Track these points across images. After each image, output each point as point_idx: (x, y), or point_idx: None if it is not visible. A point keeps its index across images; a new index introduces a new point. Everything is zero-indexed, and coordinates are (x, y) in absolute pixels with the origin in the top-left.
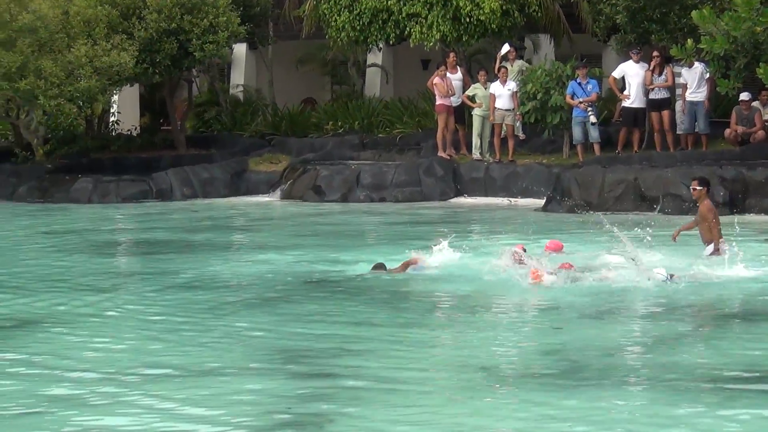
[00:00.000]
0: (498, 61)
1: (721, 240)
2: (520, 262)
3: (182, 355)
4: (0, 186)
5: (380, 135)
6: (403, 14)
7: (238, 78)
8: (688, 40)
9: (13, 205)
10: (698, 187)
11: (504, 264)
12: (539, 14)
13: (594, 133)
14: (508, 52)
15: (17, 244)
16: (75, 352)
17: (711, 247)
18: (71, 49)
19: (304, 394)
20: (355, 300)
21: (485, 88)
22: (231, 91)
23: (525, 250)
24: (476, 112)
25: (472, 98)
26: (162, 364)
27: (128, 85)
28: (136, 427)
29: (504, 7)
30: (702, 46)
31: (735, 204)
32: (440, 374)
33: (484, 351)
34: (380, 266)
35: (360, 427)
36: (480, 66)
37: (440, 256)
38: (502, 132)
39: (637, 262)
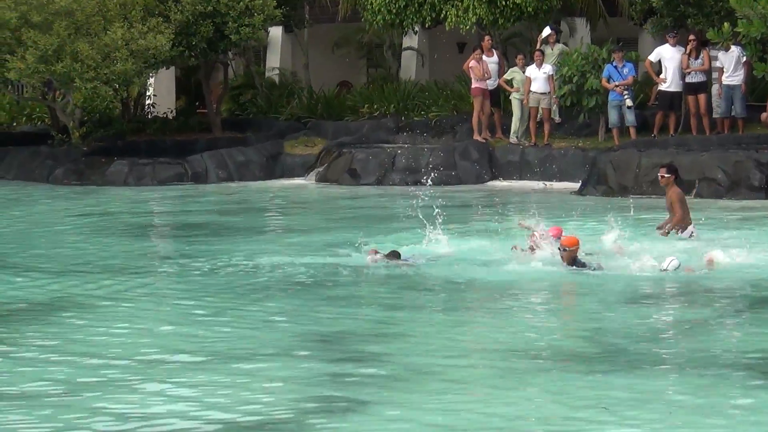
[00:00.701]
0: (539, 44)
1: (691, 225)
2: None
3: (214, 339)
4: (37, 168)
5: (416, 118)
6: None
7: (273, 61)
8: (725, 23)
9: (49, 187)
10: (666, 174)
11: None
12: None
13: (630, 117)
14: (549, 35)
15: (53, 226)
16: (108, 335)
17: (690, 229)
18: (107, 31)
19: (336, 379)
20: (388, 285)
21: (523, 72)
22: (267, 74)
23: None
24: (515, 96)
25: (509, 82)
26: (194, 347)
27: (164, 68)
28: (169, 412)
29: None
30: (739, 30)
31: None
32: (474, 359)
33: (517, 336)
34: (394, 254)
35: (392, 411)
36: (516, 49)
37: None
38: (538, 115)
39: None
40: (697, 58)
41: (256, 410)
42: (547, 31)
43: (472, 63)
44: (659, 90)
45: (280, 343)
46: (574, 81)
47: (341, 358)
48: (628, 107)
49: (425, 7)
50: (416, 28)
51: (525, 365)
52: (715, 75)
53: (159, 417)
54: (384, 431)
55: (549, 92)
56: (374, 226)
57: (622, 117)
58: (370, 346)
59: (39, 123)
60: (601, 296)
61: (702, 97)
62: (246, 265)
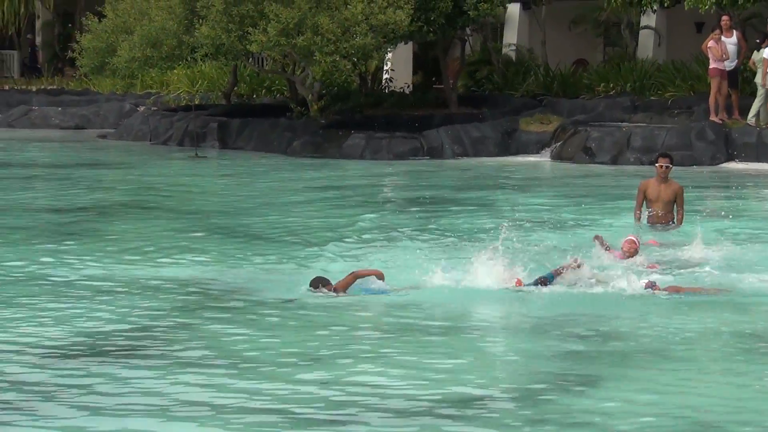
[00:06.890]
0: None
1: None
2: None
3: (446, 311)
4: (275, 140)
5: (652, 98)
6: None
7: (510, 37)
8: None
9: (287, 158)
10: (671, 165)
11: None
12: None
13: None
14: None
15: (291, 197)
16: (342, 306)
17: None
18: (348, 6)
19: (569, 356)
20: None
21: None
22: (503, 50)
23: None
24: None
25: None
26: (426, 318)
27: (402, 42)
28: (399, 379)
29: None
30: None
31: None
32: (705, 341)
33: (751, 319)
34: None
35: (624, 392)
36: (755, 30)
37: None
38: None
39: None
40: None
41: (487, 381)
42: None
43: (710, 43)
44: None
45: (512, 319)
46: None
47: (573, 335)
48: None
49: None
50: (655, 7)
51: (759, 348)
52: None
53: (384, 386)
54: (620, 408)
55: None
56: (607, 205)
57: None
58: (602, 325)
59: (278, 95)
60: None
61: None
62: (478, 240)
